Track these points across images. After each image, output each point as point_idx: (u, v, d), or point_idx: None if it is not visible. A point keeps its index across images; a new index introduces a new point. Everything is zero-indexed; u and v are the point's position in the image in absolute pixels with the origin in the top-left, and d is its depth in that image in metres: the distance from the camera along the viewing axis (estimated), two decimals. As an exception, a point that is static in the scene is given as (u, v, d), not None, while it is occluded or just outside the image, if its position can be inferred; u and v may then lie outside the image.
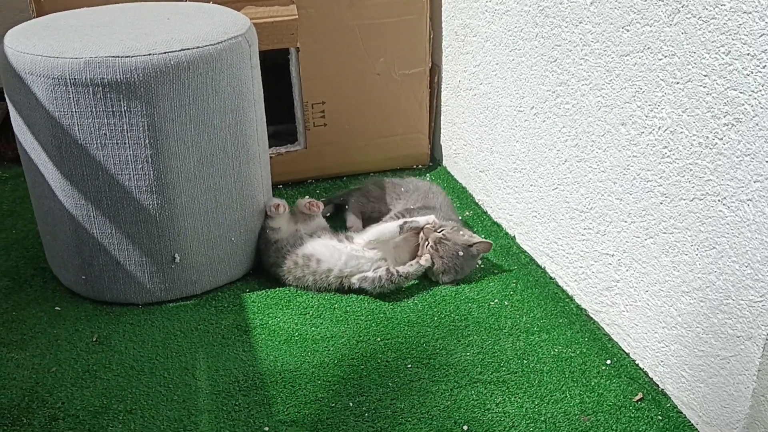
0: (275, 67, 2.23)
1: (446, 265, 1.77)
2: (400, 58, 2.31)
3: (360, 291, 1.78)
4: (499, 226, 2.08)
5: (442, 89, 2.38)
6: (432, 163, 2.50)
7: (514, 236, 2.00)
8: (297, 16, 2.14)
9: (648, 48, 1.34)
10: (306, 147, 2.34)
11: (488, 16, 1.96)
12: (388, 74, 2.32)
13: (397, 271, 1.75)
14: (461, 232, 1.81)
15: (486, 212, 2.16)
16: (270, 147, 2.23)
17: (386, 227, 1.79)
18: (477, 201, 2.22)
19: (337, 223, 2.04)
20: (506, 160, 1.97)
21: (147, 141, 1.61)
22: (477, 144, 2.16)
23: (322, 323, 1.69)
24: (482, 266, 1.90)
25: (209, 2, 2.01)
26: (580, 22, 1.53)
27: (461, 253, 1.77)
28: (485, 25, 1.98)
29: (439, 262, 1.77)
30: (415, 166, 2.48)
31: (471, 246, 1.79)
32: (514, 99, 1.88)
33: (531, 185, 1.86)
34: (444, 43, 2.29)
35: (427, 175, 2.44)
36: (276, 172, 2.20)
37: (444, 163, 2.47)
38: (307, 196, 1.96)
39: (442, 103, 2.40)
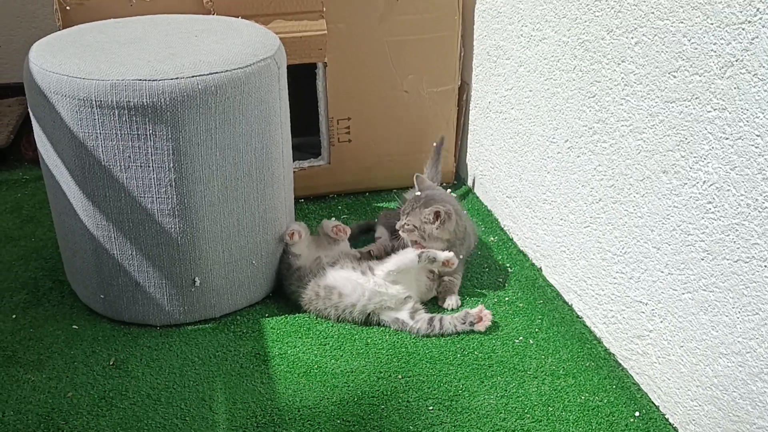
0: (301, 73, 2.18)
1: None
2: (430, 75, 2.26)
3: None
4: (524, 255, 2.03)
5: (470, 108, 2.33)
6: (457, 182, 2.45)
7: (540, 268, 1.95)
8: (326, 31, 2.09)
9: (696, 98, 1.28)
10: (330, 162, 2.30)
11: (523, 41, 1.90)
12: (416, 91, 2.27)
13: (441, 323, 1.71)
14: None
15: (512, 239, 2.11)
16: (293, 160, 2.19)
17: (405, 258, 1.74)
18: (503, 226, 2.17)
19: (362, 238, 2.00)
20: (536, 189, 1.92)
21: (171, 165, 1.58)
22: (505, 168, 2.11)
23: (342, 356, 1.66)
24: (507, 298, 1.86)
25: (238, 17, 1.96)
26: (622, 61, 1.48)
27: None
28: (520, 49, 1.92)
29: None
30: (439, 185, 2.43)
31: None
32: (548, 129, 1.82)
33: (561, 219, 1.81)
34: (475, 61, 2.24)
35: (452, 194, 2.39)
36: (298, 186, 2.16)
37: (469, 182, 2.42)
38: (333, 219, 1.92)
39: (469, 122, 2.35)
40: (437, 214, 1.76)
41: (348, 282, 1.73)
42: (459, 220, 1.81)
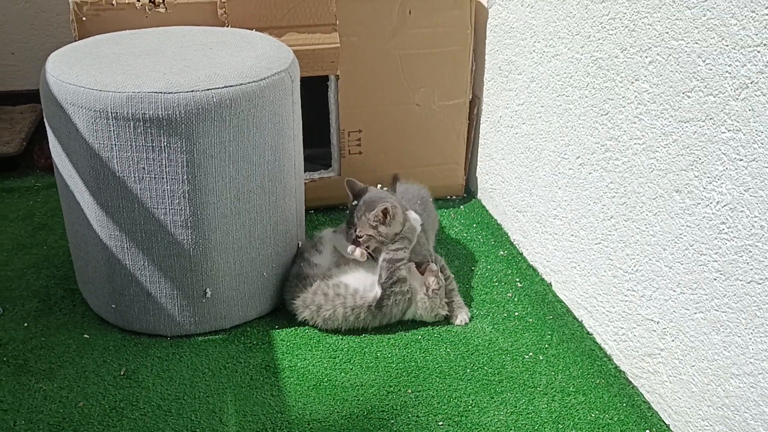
0: (312, 84, 2.19)
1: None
2: (441, 88, 2.27)
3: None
4: (534, 270, 2.03)
5: (481, 122, 2.33)
6: (466, 194, 2.46)
7: (550, 283, 1.95)
8: (339, 44, 2.10)
9: (710, 118, 1.28)
10: (340, 174, 2.31)
11: (535, 56, 1.90)
12: (427, 105, 2.28)
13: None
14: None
15: (521, 253, 2.11)
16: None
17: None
18: (512, 240, 2.17)
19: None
20: (546, 205, 1.93)
21: (185, 176, 1.59)
22: (515, 183, 2.11)
23: (351, 369, 1.66)
24: (516, 314, 1.86)
25: (252, 29, 1.98)
26: (636, 80, 1.48)
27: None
28: (531, 65, 1.93)
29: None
30: (449, 197, 2.44)
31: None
32: (559, 145, 1.83)
33: (572, 235, 1.81)
34: (486, 76, 2.24)
35: (461, 206, 2.40)
36: (309, 197, 2.17)
37: (479, 196, 2.43)
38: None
39: (480, 136, 2.35)
40: (385, 212, 1.76)
41: (352, 277, 1.77)
42: (403, 211, 1.83)
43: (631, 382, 1.61)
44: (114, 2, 1.92)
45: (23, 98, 2.95)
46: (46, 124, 1.70)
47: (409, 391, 1.59)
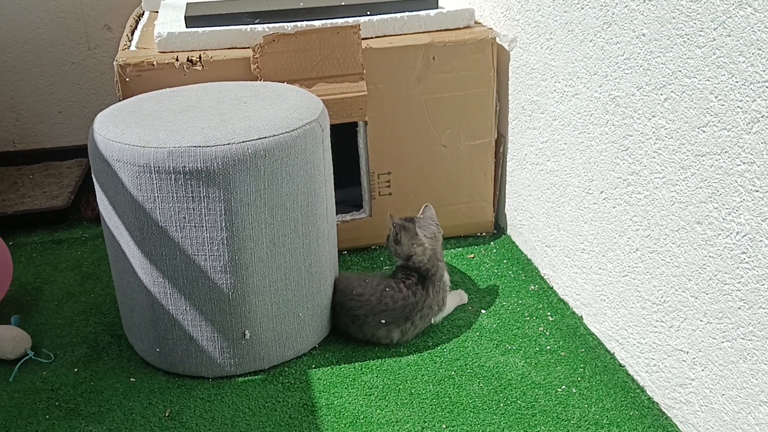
0: (342, 130, 2.27)
1: None
2: (466, 129, 2.34)
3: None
4: (565, 303, 2.06)
5: (507, 159, 2.39)
6: (496, 231, 2.50)
7: (581, 316, 1.98)
8: (366, 92, 2.19)
9: (725, 152, 1.32)
10: (371, 215, 2.38)
11: (556, 96, 1.96)
12: (454, 145, 2.35)
13: None
14: None
15: (552, 288, 2.14)
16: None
17: None
18: (542, 275, 2.21)
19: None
20: (574, 239, 1.96)
21: (223, 224, 1.67)
22: (543, 218, 2.16)
23: (387, 405, 1.70)
24: (548, 347, 1.88)
25: (283, 82, 2.08)
26: (653, 116, 1.53)
27: None
28: (553, 104, 1.99)
29: None
30: (479, 234, 2.49)
31: None
32: (583, 181, 1.87)
33: (600, 268, 1.84)
34: (510, 115, 2.31)
35: (491, 243, 2.44)
36: (341, 239, 2.24)
37: (508, 231, 2.47)
38: None
39: (507, 173, 2.41)
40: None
41: None
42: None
43: (664, 413, 1.62)
44: (155, 63, 2.04)
45: (70, 154, 3.10)
46: (94, 179, 1.81)
47: (444, 426, 1.63)
